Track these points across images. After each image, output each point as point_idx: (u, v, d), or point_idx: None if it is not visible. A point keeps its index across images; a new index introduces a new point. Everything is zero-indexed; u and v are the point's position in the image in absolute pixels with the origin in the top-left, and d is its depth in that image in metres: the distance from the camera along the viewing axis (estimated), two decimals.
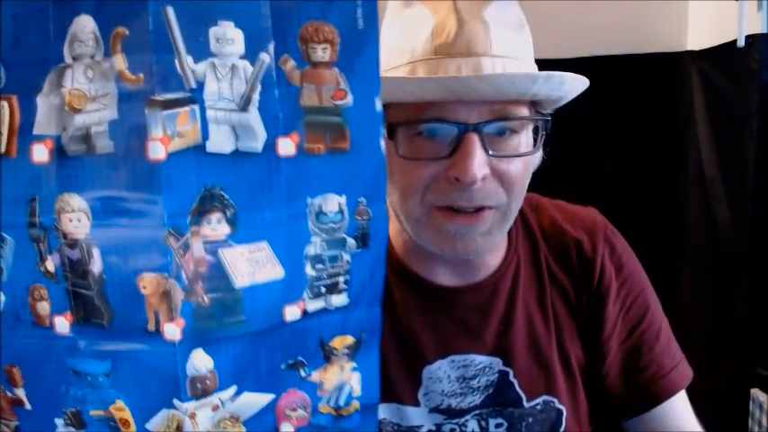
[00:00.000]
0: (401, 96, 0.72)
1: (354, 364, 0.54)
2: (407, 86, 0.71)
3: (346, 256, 0.50)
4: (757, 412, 1.88)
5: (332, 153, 0.48)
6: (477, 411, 0.87)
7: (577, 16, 2.26)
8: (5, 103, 0.45)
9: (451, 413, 0.87)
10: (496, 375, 0.86)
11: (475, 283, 0.87)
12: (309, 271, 0.49)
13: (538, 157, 0.84)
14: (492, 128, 0.75)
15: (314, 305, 0.50)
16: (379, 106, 0.50)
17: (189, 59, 0.43)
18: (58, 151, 0.44)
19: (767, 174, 1.86)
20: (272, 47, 0.45)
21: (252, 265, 0.46)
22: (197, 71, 0.43)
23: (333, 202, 0.48)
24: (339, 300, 0.51)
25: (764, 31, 1.84)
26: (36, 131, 0.45)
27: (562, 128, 2.52)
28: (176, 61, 0.42)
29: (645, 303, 0.91)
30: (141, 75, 0.42)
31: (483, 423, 0.87)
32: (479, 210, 0.77)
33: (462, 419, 0.87)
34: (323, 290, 0.50)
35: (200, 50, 0.43)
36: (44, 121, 0.44)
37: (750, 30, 1.85)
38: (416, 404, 0.86)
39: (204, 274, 0.45)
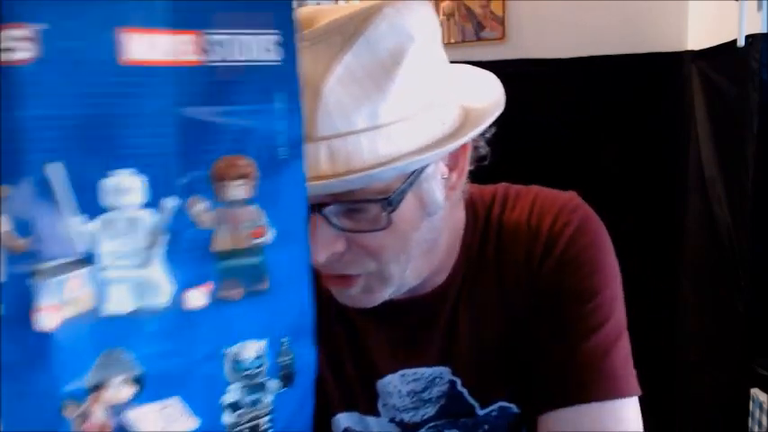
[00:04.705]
0: None
1: None
2: None
3: (269, 398, 0.44)
4: (757, 412, 1.83)
5: (250, 296, 0.42)
6: (431, 424, 0.83)
7: (577, 16, 2.21)
8: None
9: (406, 427, 0.83)
10: (447, 386, 0.81)
11: (421, 295, 0.80)
12: (227, 419, 0.43)
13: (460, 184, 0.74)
14: (335, 207, 0.65)
15: None
16: (306, 238, 0.44)
17: (78, 219, 0.37)
18: None
19: (767, 174, 1.79)
20: (178, 189, 0.39)
21: (162, 420, 0.41)
22: (87, 231, 0.37)
23: (251, 350, 0.42)
24: None
25: (764, 31, 1.76)
26: None
27: (562, 127, 2.45)
28: (63, 223, 0.36)
29: (589, 296, 0.76)
30: (25, 239, 0.36)
31: None
32: (347, 275, 0.71)
33: None
34: None
35: (91, 207, 0.37)
36: None
37: (750, 30, 1.78)
38: (377, 414, 0.83)
39: None
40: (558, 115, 2.20)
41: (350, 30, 0.62)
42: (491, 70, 0.82)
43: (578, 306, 0.76)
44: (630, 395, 0.76)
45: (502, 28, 2.25)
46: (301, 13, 0.67)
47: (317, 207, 0.64)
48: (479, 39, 2.27)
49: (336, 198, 0.64)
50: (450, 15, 2.26)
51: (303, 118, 0.59)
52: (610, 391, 0.74)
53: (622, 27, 2.20)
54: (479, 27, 2.26)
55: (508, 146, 1.97)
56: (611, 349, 0.76)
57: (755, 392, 1.82)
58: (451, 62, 0.82)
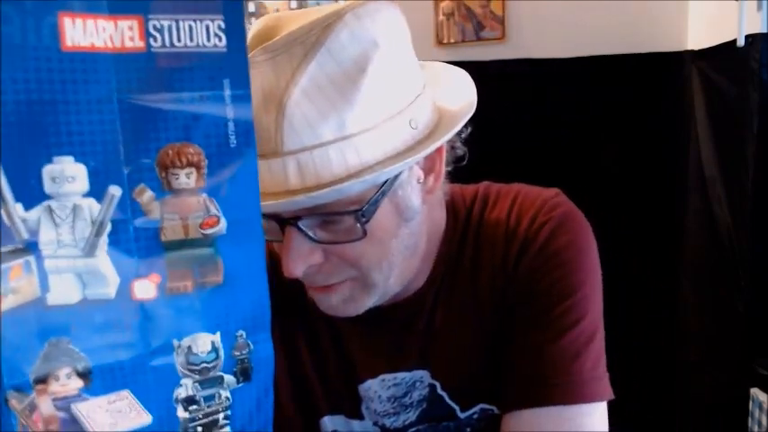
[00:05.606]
0: None
1: None
2: None
3: (225, 393, 0.43)
4: (757, 412, 1.80)
5: (202, 289, 0.41)
6: (413, 429, 0.81)
7: (577, 16, 2.20)
8: None
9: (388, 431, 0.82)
10: (426, 389, 0.79)
11: (402, 299, 0.78)
12: (182, 414, 0.42)
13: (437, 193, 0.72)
14: (310, 220, 0.64)
15: None
16: (260, 229, 0.42)
17: (18, 207, 0.36)
18: None
19: (767, 174, 1.76)
20: (124, 177, 0.38)
21: (113, 415, 0.40)
22: (29, 219, 0.36)
23: (204, 342, 0.41)
24: None
25: (764, 31, 1.73)
26: None
27: (562, 127, 2.42)
28: (2, 211, 0.35)
29: (562, 296, 0.73)
30: None
31: None
32: (330, 285, 0.70)
33: None
34: (199, 429, 0.43)
35: (33, 195, 0.36)
36: None
37: (750, 30, 1.76)
38: (361, 418, 0.82)
39: None
40: (558, 115, 2.18)
41: (311, 40, 0.60)
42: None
43: (550, 306, 0.73)
44: (598, 400, 0.73)
45: (502, 28, 2.23)
46: (263, 21, 0.66)
47: (292, 220, 0.63)
48: (479, 39, 2.24)
49: (311, 211, 0.63)
50: (449, 15, 2.24)
51: (269, 132, 0.59)
52: (574, 396, 0.71)
53: (622, 27, 2.17)
54: (479, 27, 2.23)
55: (508, 145, 1.95)
56: (581, 351, 0.72)
57: (755, 392, 1.79)
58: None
